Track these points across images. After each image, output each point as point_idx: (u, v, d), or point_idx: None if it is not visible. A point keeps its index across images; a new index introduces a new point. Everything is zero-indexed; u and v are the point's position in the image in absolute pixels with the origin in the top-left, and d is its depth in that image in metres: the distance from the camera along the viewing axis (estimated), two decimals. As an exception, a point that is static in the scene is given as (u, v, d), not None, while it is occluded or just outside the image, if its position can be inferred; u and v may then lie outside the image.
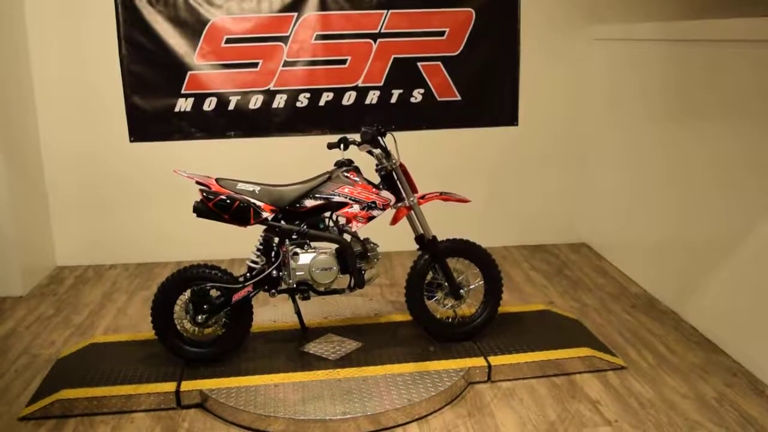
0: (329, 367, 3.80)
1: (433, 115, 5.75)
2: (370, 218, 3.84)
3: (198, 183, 3.80)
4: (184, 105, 5.58)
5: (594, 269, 5.46)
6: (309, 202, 3.81)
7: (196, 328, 3.84)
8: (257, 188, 3.80)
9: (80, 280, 5.55)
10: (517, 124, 5.83)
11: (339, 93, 5.64)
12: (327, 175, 3.88)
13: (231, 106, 5.61)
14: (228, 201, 3.71)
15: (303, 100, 5.63)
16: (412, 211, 3.95)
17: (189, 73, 5.52)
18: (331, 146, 4.04)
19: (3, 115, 5.03)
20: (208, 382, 3.67)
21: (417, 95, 5.69)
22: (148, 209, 5.78)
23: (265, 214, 3.76)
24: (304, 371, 3.76)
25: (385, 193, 3.88)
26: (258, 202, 3.76)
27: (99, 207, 5.78)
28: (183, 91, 5.56)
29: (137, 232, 5.83)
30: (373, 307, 4.60)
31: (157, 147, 5.69)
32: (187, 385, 3.65)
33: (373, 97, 5.67)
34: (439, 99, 5.72)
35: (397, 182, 3.92)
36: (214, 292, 3.84)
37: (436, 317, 4.06)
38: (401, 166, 3.93)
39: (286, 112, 5.65)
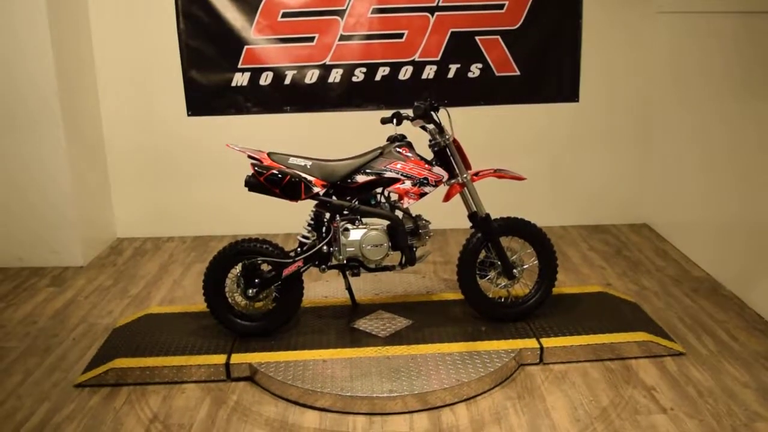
0: (378, 344, 3.78)
1: (491, 91, 5.63)
2: (422, 195, 3.77)
3: (250, 157, 3.79)
4: (240, 79, 5.60)
5: (655, 251, 5.28)
6: (360, 178, 3.77)
7: (247, 302, 3.86)
8: (309, 163, 3.78)
9: (138, 251, 5.66)
10: (578, 100, 5.66)
11: (395, 68, 5.56)
12: (379, 151, 3.82)
13: (287, 81, 5.59)
14: (279, 175, 3.70)
15: (359, 75, 5.58)
16: (465, 188, 3.86)
17: (246, 47, 5.52)
18: (384, 121, 3.97)
19: (65, 90, 5.13)
20: (257, 356, 3.69)
21: (475, 70, 5.57)
22: (205, 183, 5.83)
23: (316, 189, 3.74)
24: (353, 348, 3.74)
25: (438, 170, 3.80)
26: (309, 177, 3.74)
27: (158, 180, 5.87)
28: (240, 66, 5.57)
29: (195, 206, 5.90)
30: (425, 285, 4.55)
31: (214, 121, 5.72)
32: (237, 358, 3.68)
33: (429, 72, 5.57)
34: (497, 74, 5.58)
35: (451, 158, 3.84)
36: (265, 267, 3.85)
37: (488, 296, 3.99)
38: (455, 141, 3.84)
39: (342, 87, 5.61)
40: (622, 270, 4.94)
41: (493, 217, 3.92)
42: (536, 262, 4.01)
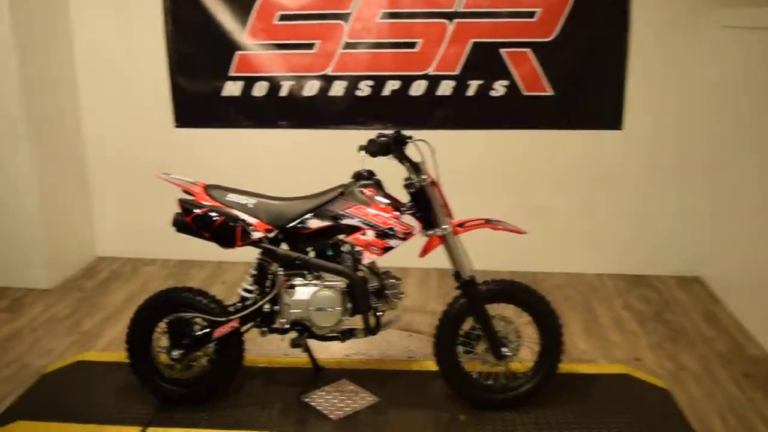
0: (326, 430, 3.04)
1: (517, 113, 4.79)
2: (387, 249, 3.02)
3: (185, 191, 3.13)
4: (232, 89, 4.95)
5: (704, 316, 4.35)
6: (313, 223, 3.05)
7: (175, 364, 3.19)
8: (252, 201, 3.08)
9: (113, 275, 5.09)
10: (621, 128, 4.77)
11: (406, 81, 4.80)
12: (340, 190, 3.09)
13: (283, 92, 4.91)
14: (214, 216, 3.01)
15: (364, 89, 4.84)
16: (446, 242, 3.08)
17: (238, 53, 4.87)
18: (361, 149, 3.19)
19: (32, 95, 4.61)
20: (176, 433, 3.03)
21: (499, 88, 4.75)
22: (192, 202, 5.20)
23: (257, 235, 3.04)
24: (293, 433, 3.03)
25: (408, 219, 3.03)
26: (250, 219, 3.04)
27: (143, 197, 5.28)
28: (231, 74, 4.92)
29: (180, 227, 5.29)
30: (409, 347, 3.80)
31: (203, 134, 5.11)
32: (151, 435, 3.03)
33: (446, 88, 4.79)
34: (525, 93, 4.75)
35: (431, 202, 3.06)
36: (200, 321, 3.17)
37: (471, 377, 3.20)
38: (433, 183, 3.06)
39: (345, 102, 4.89)
40: (659, 339, 4.05)
41: (487, 277, 3.15)
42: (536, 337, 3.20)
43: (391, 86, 4.82)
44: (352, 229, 3.03)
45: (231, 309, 3.17)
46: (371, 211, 3.00)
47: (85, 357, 3.76)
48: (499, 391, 3.19)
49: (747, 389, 3.51)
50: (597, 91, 4.73)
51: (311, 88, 4.88)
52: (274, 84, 4.90)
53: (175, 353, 3.12)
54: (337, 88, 4.87)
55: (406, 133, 3.11)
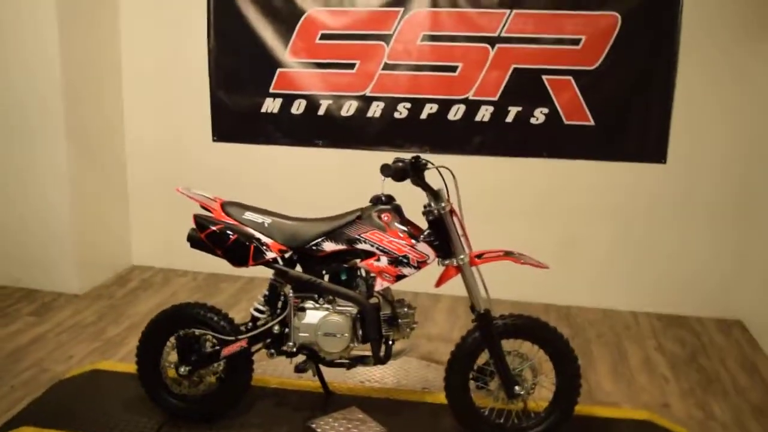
0: (328, 459, 2.98)
1: (557, 142, 4.67)
2: (400, 277, 2.94)
3: (202, 207, 3.12)
4: (271, 106, 4.96)
5: (741, 362, 4.14)
6: (328, 246, 2.99)
7: (183, 380, 3.17)
8: (268, 220, 3.05)
9: (144, 284, 5.14)
10: (664, 162, 4.60)
11: (445, 105, 4.74)
12: (358, 213, 3.03)
13: (321, 111, 4.90)
14: (229, 233, 2.99)
15: (402, 111, 4.80)
16: (463, 273, 2.99)
17: (279, 70, 4.88)
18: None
19: (89, 104, 4.78)
20: (178, 451, 2.99)
21: (539, 115, 4.64)
22: (227, 215, 5.22)
23: (269, 255, 3.00)
24: (294, 459, 2.97)
25: (423, 247, 2.94)
26: (264, 238, 3.01)
27: (178, 207, 5.22)
28: (271, 90, 4.94)
29: (214, 239, 5.31)
30: (425, 376, 3.69)
31: (241, 149, 5.13)
32: (154, 450, 3.00)
33: (485, 114, 4.70)
34: (566, 122, 4.62)
35: (449, 231, 2.97)
36: (210, 339, 3.15)
37: (482, 414, 3.08)
38: (452, 212, 2.98)
39: (382, 123, 4.85)
40: (690, 385, 3.86)
41: (518, 309, 3.04)
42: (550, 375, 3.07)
43: (429, 109, 4.76)
44: (367, 254, 2.96)
45: (242, 328, 3.13)
46: (386, 237, 2.93)
47: (101, 366, 3.78)
48: (510, 431, 3.06)
49: (781, 447, 3.30)
50: (640, 123, 4.58)
51: (349, 109, 4.86)
52: (313, 102, 4.89)
53: (183, 369, 3.09)
54: (375, 110, 4.83)
55: (429, 157, 3.02)
